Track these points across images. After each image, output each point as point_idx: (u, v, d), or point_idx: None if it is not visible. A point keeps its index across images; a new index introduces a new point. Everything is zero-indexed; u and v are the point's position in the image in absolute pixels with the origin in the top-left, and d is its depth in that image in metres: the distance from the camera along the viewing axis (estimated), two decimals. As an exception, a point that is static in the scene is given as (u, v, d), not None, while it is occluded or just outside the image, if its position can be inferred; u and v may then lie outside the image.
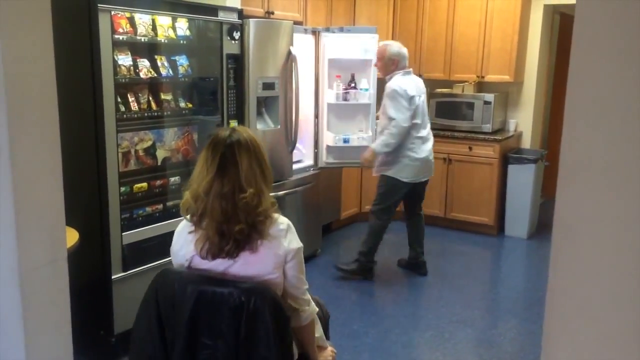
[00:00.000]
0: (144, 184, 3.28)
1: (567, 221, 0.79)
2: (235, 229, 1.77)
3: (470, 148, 5.28)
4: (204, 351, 1.79)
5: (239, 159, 1.79)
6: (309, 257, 4.64)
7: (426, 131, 4.16)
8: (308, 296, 1.96)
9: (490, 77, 5.40)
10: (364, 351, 3.25)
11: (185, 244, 1.88)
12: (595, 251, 0.78)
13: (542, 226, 5.73)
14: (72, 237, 2.55)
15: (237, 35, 3.56)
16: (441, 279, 4.37)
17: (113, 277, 3.04)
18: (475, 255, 4.47)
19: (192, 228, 1.86)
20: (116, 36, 2.94)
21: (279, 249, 1.83)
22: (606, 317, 0.78)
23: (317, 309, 2.01)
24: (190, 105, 3.55)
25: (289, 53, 4.08)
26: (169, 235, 2.74)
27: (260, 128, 3.95)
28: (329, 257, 4.78)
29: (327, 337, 2.43)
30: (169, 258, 2.01)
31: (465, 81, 5.52)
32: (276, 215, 1.87)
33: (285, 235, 1.84)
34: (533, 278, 4.40)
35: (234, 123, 3.64)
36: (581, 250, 0.79)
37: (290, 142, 4.21)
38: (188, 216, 1.88)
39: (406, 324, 3.62)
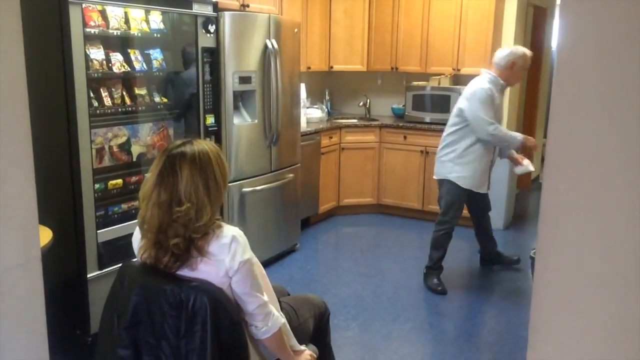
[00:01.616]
0: (119, 181, 3.22)
1: (553, 213, 0.79)
2: (171, 242, 1.73)
3: (446, 140, 5.31)
4: (148, 352, 1.77)
5: (178, 170, 1.73)
6: (288, 252, 4.62)
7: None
8: (266, 310, 1.84)
9: (466, 70, 5.43)
10: (345, 345, 3.25)
11: (139, 242, 1.88)
12: (582, 243, 0.78)
13: (517, 217, 5.80)
14: (45, 236, 2.49)
15: (212, 28, 3.51)
16: (419, 271, 4.38)
17: (88, 275, 2.98)
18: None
19: None
20: (88, 29, 2.87)
21: (219, 268, 1.75)
22: (593, 309, 0.78)
23: (282, 320, 1.91)
24: (165, 100, 3.50)
25: (266, 46, 4.03)
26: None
27: (237, 123, 3.90)
28: (308, 251, 4.77)
29: (328, 336, 2.42)
30: None
31: (442, 74, 5.54)
32: (219, 229, 1.77)
33: (227, 251, 1.74)
34: (510, 269, 4.44)
35: (210, 118, 3.60)
36: (567, 243, 0.78)
37: (269, 136, 4.18)
38: (139, 219, 1.86)
39: (386, 317, 3.63)
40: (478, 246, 4.53)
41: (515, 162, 4.14)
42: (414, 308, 3.77)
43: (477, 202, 4.21)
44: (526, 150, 4.06)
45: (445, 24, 5.42)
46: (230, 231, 1.78)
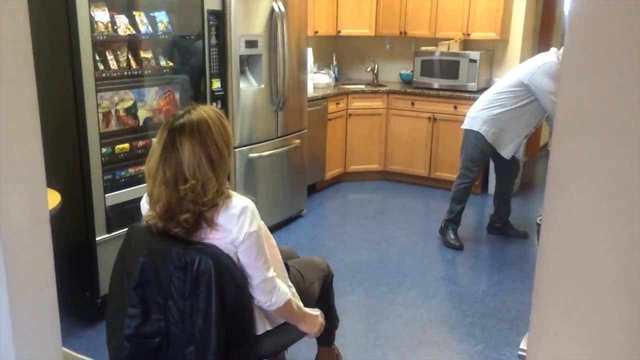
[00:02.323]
0: (126, 145, 3.22)
1: (561, 177, 0.78)
2: (181, 217, 1.74)
3: (455, 107, 5.27)
4: (157, 311, 1.81)
5: (179, 145, 1.73)
6: (294, 218, 4.65)
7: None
8: (270, 285, 1.84)
9: (476, 35, 5.34)
10: (350, 309, 3.29)
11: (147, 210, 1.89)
12: (588, 207, 0.78)
13: (525, 184, 5.79)
14: (53, 199, 2.51)
15: (218, -10, 3.45)
16: (424, 237, 4.41)
17: (97, 238, 3.01)
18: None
19: None
20: (92, -9, 2.83)
21: (226, 237, 1.76)
22: (597, 272, 0.78)
23: (287, 295, 1.89)
24: (171, 64, 3.47)
25: (273, 10, 3.97)
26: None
27: (243, 87, 3.88)
28: (314, 217, 4.80)
29: (332, 298, 2.45)
30: None
31: (451, 39, 5.45)
32: (228, 199, 1.77)
33: (236, 221, 1.75)
34: (515, 236, 4.45)
35: (217, 82, 3.57)
36: (574, 206, 0.78)
37: (276, 101, 4.15)
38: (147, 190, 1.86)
39: (391, 282, 3.66)
40: (487, 213, 4.54)
41: None
42: (419, 274, 3.80)
43: (505, 165, 4.27)
44: None
45: (455, -13, 5.31)
46: (240, 202, 1.78)
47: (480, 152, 4.12)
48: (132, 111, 3.24)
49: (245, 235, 1.75)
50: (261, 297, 1.85)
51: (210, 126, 1.77)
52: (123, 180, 3.20)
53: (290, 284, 2.08)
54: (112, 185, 3.10)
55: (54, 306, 1.59)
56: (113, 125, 3.14)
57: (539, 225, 2.50)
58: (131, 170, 3.25)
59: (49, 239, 1.56)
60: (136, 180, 3.23)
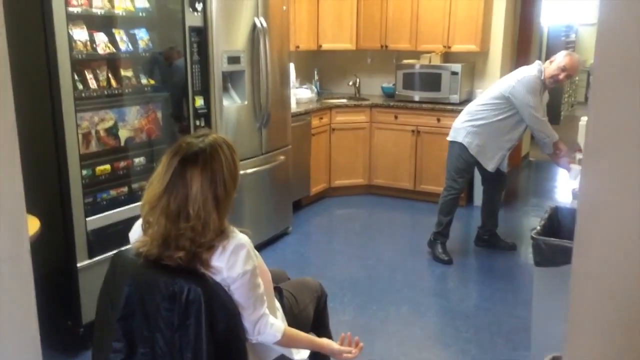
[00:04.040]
0: (107, 166, 3.12)
1: (593, 201, 0.73)
2: (175, 254, 1.66)
3: (438, 119, 5.26)
4: (143, 344, 1.71)
5: (189, 180, 1.65)
6: (281, 236, 4.56)
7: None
8: (260, 323, 1.75)
9: (457, 47, 5.35)
10: (342, 329, 3.16)
11: (138, 236, 1.81)
12: (624, 233, 0.72)
13: (508, 195, 5.78)
14: (33, 225, 2.40)
15: (199, 6, 3.39)
16: (413, 252, 4.36)
17: (78, 264, 2.90)
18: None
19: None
20: (70, 9, 2.74)
21: (217, 276, 1.69)
22: (636, 303, 0.73)
23: (278, 334, 1.78)
24: (152, 82, 3.38)
25: (255, 25, 3.92)
26: (136, 219, 2.62)
27: (226, 104, 3.81)
28: (301, 235, 4.72)
29: (326, 319, 2.37)
30: None
31: (432, 52, 5.45)
32: (227, 241, 1.69)
33: (227, 261, 1.67)
34: (503, 248, 4.42)
35: (199, 100, 3.50)
36: (609, 231, 0.73)
37: (259, 118, 4.09)
38: (142, 216, 1.77)
39: (381, 299, 3.60)
40: (474, 225, 4.52)
41: (565, 167, 4.10)
42: (410, 290, 3.74)
43: (492, 177, 4.26)
44: (556, 153, 4.06)
45: (435, 0, 5.32)
46: (234, 241, 1.70)
47: (464, 163, 4.12)
48: (112, 131, 3.15)
49: (237, 275, 1.68)
50: (250, 336, 1.76)
51: (223, 163, 1.69)
52: (105, 202, 3.09)
53: (280, 309, 2.00)
54: (93, 209, 2.99)
55: (36, 343, 1.49)
56: (93, 146, 3.04)
57: (534, 239, 2.47)
58: (113, 192, 3.15)
59: (29, 272, 1.46)
60: (118, 202, 3.13)
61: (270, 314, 1.80)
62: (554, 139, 3.98)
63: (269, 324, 1.75)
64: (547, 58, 7.45)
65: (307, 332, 2.14)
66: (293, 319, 2.03)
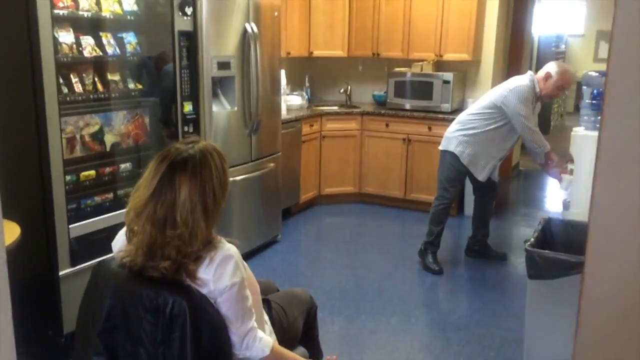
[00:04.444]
0: (92, 172, 3.05)
1: (605, 218, 0.68)
2: (160, 264, 1.59)
3: (429, 128, 5.23)
4: (125, 359, 1.64)
5: (177, 187, 1.58)
6: (269, 244, 4.49)
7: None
8: (248, 338, 1.67)
9: (449, 56, 5.33)
10: (331, 340, 3.14)
11: (122, 246, 1.73)
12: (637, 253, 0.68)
13: (498, 204, 5.75)
14: (12, 231, 2.33)
15: (189, 10, 3.33)
16: (403, 262, 4.31)
17: (60, 273, 2.81)
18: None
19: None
20: (56, 11, 2.68)
21: (204, 289, 1.62)
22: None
23: (266, 350, 1.70)
24: (140, 86, 3.32)
25: (245, 31, 3.87)
26: (121, 227, 2.54)
27: (216, 110, 3.75)
28: (290, 243, 4.65)
29: (316, 330, 2.31)
30: None
31: (424, 60, 5.43)
32: (214, 252, 1.62)
33: (213, 273, 1.60)
34: (493, 258, 4.38)
35: (188, 105, 3.43)
36: (622, 254, 0.68)
37: (249, 124, 4.03)
38: (126, 223, 1.70)
39: (372, 310, 3.54)
40: (464, 235, 4.48)
41: (556, 177, 4.09)
42: (400, 300, 3.69)
43: (483, 187, 4.23)
44: (547, 164, 4.04)
45: (427, 8, 5.30)
46: (222, 252, 1.63)
47: (456, 172, 4.08)
48: (98, 136, 3.08)
49: (225, 287, 1.61)
50: (237, 351, 1.69)
51: (212, 171, 1.63)
52: (89, 209, 3.02)
53: (268, 322, 1.94)
54: (76, 215, 2.92)
55: (11, 354, 1.42)
56: (78, 151, 2.97)
57: (527, 251, 2.43)
58: (97, 199, 3.08)
59: (5, 281, 1.39)
60: (103, 209, 3.05)
61: (258, 327, 1.74)
62: (546, 149, 3.96)
63: (257, 338, 1.69)
64: (537, 68, 7.47)
65: (295, 346, 2.08)
66: (282, 333, 1.97)
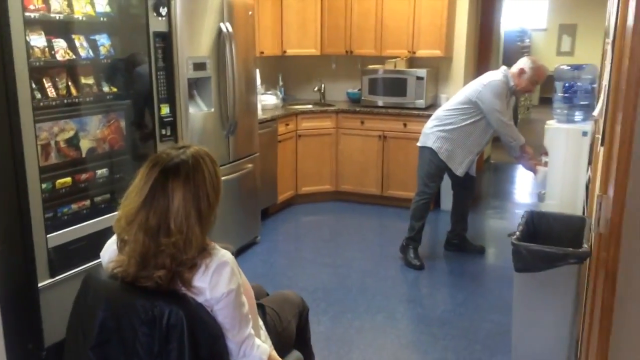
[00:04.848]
0: (68, 179, 2.95)
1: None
2: (155, 273, 1.55)
3: (404, 124, 5.26)
4: None
5: (170, 193, 1.55)
6: (249, 246, 4.46)
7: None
8: (245, 345, 1.65)
9: (422, 53, 5.37)
10: (318, 341, 3.12)
11: (111, 255, 1.69)
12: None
13: (474, 199, 5.83)
14: (-11, 244, 2.24)
15: (163, 10, 3.26)
16: (384, 259, 4.33)
17: (39, 284, 2.72)
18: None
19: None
20: (27, 14, 2.58)
21: (200, 297, 1.59)
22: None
23: (266, 350, 1.70)
24: (114, 90, 3.23)
25: (220, 30, 3.82)
26: (100, 235, 2.47)
27: (192, 112, 3.69)
28: (270, 243, 4.62)
29: (308, 333, 2.29)
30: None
31: (397, 57, 5.46)
32: (209, 258, 1.59)
33: (209, 281, 1.57)
34: (472, 252, 4.44)
35: (165, 108, 3.36)
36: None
37: (226, 125, 3.98)
38: (117, 232, 1.66)
39: (356, 308, 3.54)
40: (442, 229, 4.52)
41: (531, 169, 4.19)
42: (384, 297, 3.70)
43: (461, 182, 4.28)
44: (523, 157, 4.11)
45: (399, 6, 5.33)
46: (217, 259, 1.60)
47: (435, 167, 4.12)
48: (73, 142, 2.99)
49: (222, 295, 1.57)
50: (237, 356, 1.65)
51: (205, 176, 1.60)
52: (66, 217, 2.93)
53: (263, 327, 1.91)
54: (54, 224, 2.82)
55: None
56: (53, 158, 2.88)
57: (514, 245, 2.45)
58: (74, 207, 2.98)
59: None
60: (81, 217, 2.96)
61: (254, 333, 1.71)
62: (521, 143, 4.03)
63: (255, 345, 1.66)
64: (504, 62, 7.60)
65: (290, 350, 2.06)
66: (276, 337, 1.95)
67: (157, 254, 1.55)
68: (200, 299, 1.58)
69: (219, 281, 1.58)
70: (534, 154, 4.16)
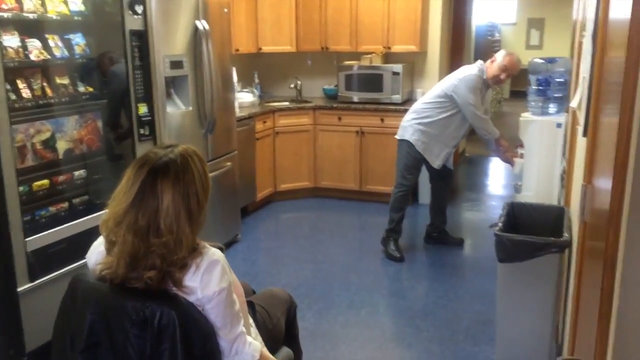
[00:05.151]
0: (45, 181, 2.90)
1: None
2: (145, 274, 1.53)
3: (382, 120, 5.29)
4: None
5: (160, 193, 1.52)
6: (230, 244, 4.43)
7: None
8: (237, 344, 1.63)
9: (397, 48, 5.41)
10: (304, 337, 3.09)
11: (98, 258, 1.66)
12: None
13: (451, 192, 5.90)
14: (-32, 250, 2.18)
15: (139, 9, 3.22)
16: (365, 253, 4.36)
17: (19, 289, 2.67)
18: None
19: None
20: (0, 14, 2.53)
21: (191, 297, 1.57)
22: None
23: (257, 347, 1.68)
24: (90, 89, 3.18)
25: (196, 28, 3.78)
26: (79, 237, 2.42)
27: (170, 111, 3.65)
28: (251, 242, 4.61)
29: (296, 329, 2.30)
30: (84, 261, 1.76)
31: (372, 53, 5.48)
32: (200, 257, 1.57)
33: (200, 280, 1.55)
34: (452, 244, 4.49)
35: (143, 107, 3.32)
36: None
37: (205, 124, 3.95)
38: (104, 234, 1.63)
39: (340, 303, 3.56)
40: (421, 223, 4.57)
41: (508, 161, 4.28)
42: (367, 292, 3.73)
43: (439, 175, 4.33)
44: (499, 149, 4.19)
45: (374, 1, 5.35)
46: (208, 258, 1.58)
47: (413, 160, 4.17)
48: (50, 143, 2.93)
49: (213, 293, 1.56)
50: (229, 354, 1.64)
51: (195, 175, 1.58)
52: (44, 220, 2.87)
53: (253, 324, 1.91)
54: (32, 227, 2.77)
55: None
56: (29, 160, 2.82)
57: (497, 236, 2.49)
58: (52, 209, 2.93)
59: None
60: (59, 219, 2.91)
61: (245, 331, 1.71)
62: (495, 136, 4.09)
63: (247, 343, 1.66)
64: (475, 56, 7.69)
65: (280, 346, 2.07)
66: (267, 334, 1.95)
67: (147, 254, 1.53)
68: (191, 299, 1.57)
69: (210, 280, 1.57)
70: (510, 146, 4.23)
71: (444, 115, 4.05)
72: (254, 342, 1.71)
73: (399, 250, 4.21)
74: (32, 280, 2.72)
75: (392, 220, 4.24)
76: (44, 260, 2.77)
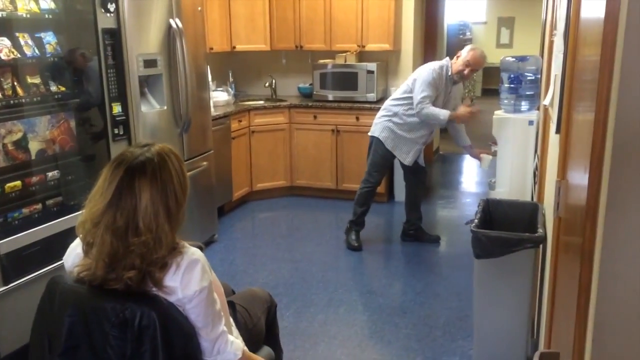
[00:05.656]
0: (18, 183, 2.84)
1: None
2: (124, 274, 1.51)
3: (357, 118, 5.31)
4: None
5: (138, 192, 1.51)
6: (207, 244, 4.41)
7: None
8: (218, 343, 1.63)
9: (371, 46, 5.43)
10: (283, 336, 3.07)
11: (75, 260, 1.64)
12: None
13: (426, 189, 5.96)
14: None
15: (111, 6, 3.17)
16: (343, 251, 4.37)
17: (-8, 293, 2.62)
18: (370, 224, 4.54)
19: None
20: (-32, 11, 2.47)
21: (172, 297, 1.56)
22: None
23: (239, 346, 1.68)
24: (62, 89, 3.13)
25: (170, 26, 3.74)
26: (53, 238, 2.38)
27: (145, 110, 3.60)
28: (228, 241, 4.58)
29: (277, 328, 2.30)
30: (59, 263, 1.74)
31: (347, 51, 5.50)
32: (180, 256, 1.56)
33: (181, 280, 1.54)
34: (428, 241, 4.54)
35: (117, 106, 3.28)
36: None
37: (180, 123, 3.91)
38: (81, 236, 1.61)
39: (319, 302, 3.57)
40: (396, 220, 4.61)
41: (476, 157, 4.41)
42: (345, 290, 3.74)
43: (412, 172, 4.38)
44: (467, 119, 4.22)
45: (347, 1, 5.36)
46: (188, 257, 1.57)
47: (381, 157, 4.23)
48: (22, 144, 2.87)
49: (194, 293, 1.55)
50: (211, 354, 1.64)
51: (172, 173, 1.57)
52: (17, 222, 2.82)
53: (234, 324, 1.91)
54: (5, 230, 2.71)
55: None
56: (1, 161, 2.76)
57: (473, 232, 2.53)
58: (26, 211, 2.87)
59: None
60: (32, 221, 2.86)
61: (227, 330, 1.71)
62: (446, 116, 4.04)
63: (228, 342, 1.65)
64: (447, 55, 7.78)
65: (261, 346, 2.06)
66: (247, 334, 1.95)
67: (126, 254, 1.51)
68: (172, 299, 1.56)
69: (191, 279, 1.56)
70: (466, 115, 4.19)
71: (410, 111, 4.10)
72: (236, 340, 1.71)
73: (359, 240, 4.38)
74: (6, 284, 2.67)
75: (355, 213, 4.38)
76: (18, 263, 2.72)
